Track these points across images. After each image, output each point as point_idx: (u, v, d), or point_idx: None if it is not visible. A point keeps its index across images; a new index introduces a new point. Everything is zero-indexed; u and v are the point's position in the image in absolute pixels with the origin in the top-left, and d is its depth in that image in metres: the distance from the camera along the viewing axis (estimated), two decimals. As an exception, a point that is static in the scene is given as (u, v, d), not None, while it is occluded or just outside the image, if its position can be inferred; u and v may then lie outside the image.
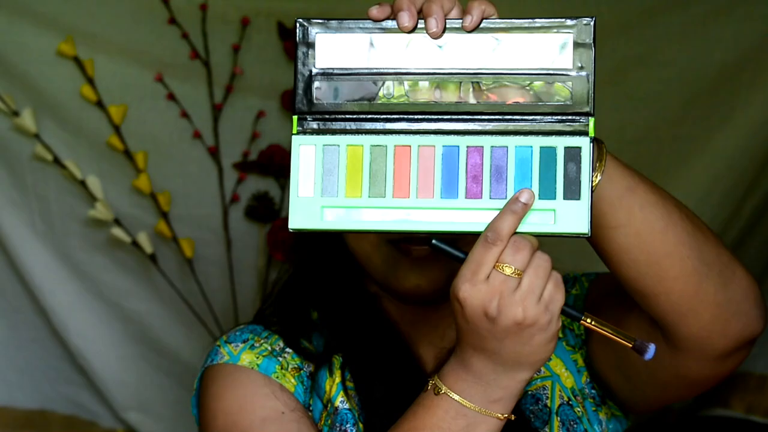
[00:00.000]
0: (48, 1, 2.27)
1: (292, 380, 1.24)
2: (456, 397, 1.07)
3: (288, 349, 1.26)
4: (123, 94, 2.33)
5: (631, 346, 1.06)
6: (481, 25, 1.03)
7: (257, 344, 1.26)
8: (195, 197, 2.40)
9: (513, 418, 1.09)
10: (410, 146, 1.03)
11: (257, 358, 1.24)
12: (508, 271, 1.01)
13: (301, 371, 1.26)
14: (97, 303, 2.38)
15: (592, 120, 1.03)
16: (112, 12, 2.31)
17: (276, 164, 2.40)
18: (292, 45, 2.39)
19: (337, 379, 1.26)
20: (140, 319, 2.41)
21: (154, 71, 2.34)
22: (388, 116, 1.05)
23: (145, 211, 2.37)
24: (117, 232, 2.33)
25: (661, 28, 2.55)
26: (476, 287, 1.02)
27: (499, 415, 1.07)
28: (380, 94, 1.05)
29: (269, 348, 1.26)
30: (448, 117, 1.04)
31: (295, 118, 1.04)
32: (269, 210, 2.42)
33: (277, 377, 1.23)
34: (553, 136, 1.03)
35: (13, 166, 2.30)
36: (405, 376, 1.23)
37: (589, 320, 1.06)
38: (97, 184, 2.32)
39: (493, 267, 1.01)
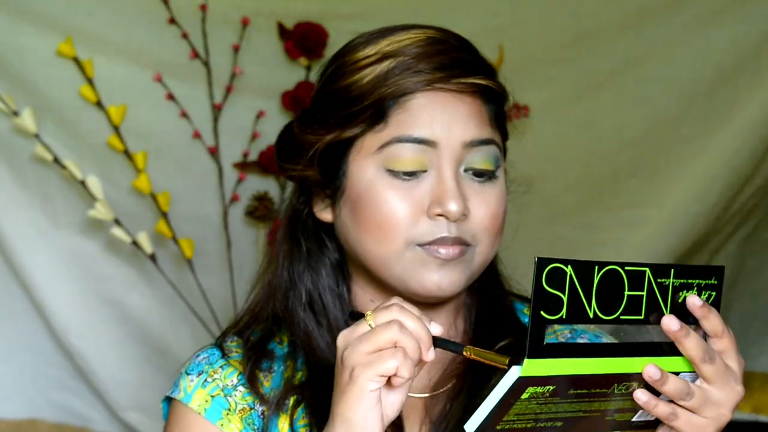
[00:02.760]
0: (48, 2, 2.27)
1: (239, 424, 1.23)
2: None
3: (240, 387, 1.25)
4: (123, 94, 2.33)
5: (507, 368, 1.06)
6: None
7: (210, 379, 1.26)
8: (195, 197, 2.40)
9: None
10: None
11: (206, 401, 1.24)
12: (368, 319, 1.09)
13: (252, 411, 1.24)
14: (97, 303, 2.38)
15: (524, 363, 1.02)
16: (112, 12, 2.31)
17: (276, 164, 2.40)
18: (292, 45, 2.39)
19: (288, 420, 1.24)
20: (140, 318, 2.41)
21: (153, 71, 2.34)
22: None
23: (145, 211, 2.37)
24: (117, 232, 2.33)
25: (660, 30, 2.56)
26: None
27: None
28: None
29: (221, 384, 1.25)
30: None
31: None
32: (269, 210, 2.42)
33: (222, 424, 1.23)
34: None
35: (13, 166, 2.30)
36: None
37: (469, 352, 1.08)
38: (97, 184, 2.31)
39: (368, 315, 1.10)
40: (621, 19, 2.54)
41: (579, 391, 1.04)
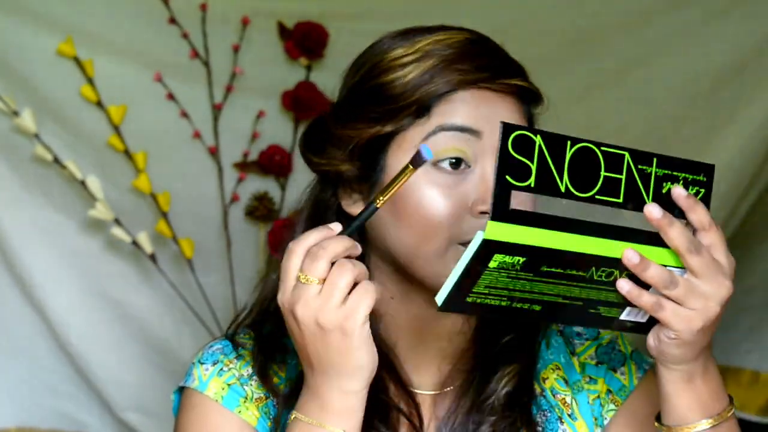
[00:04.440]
0: (48, 1, 2.27)
1: (255, 412, 1.23)
2: (300, 416, 1.12)
3: (255, 377, 1.25)
4: (123, 94, 2.33)
5: (412, 167, 1.08)
6: None
7: (226, 368, 1.25)
8: (195, 197, 2.40)
9: None
10: None
11: (223, 388, 1.24)
12: (308, 279, 1.08)
13: (268, 400, 1.24)
14: (97, 303, 2.38)
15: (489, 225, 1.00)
16: (112, 12, 2.31)
17: (276, 164, 2.40)
18: (292, 45, 2.39)
19: None
20: (140, 318, 2.41)
21: (153, 71, 2.34)
22: None
23: (145, 211, 2.37)
24: (117, 232, 2.33)
25: (662, 29, 2.56)
26: (285, 294, 1.09)
27: (340, 431, 1.12)
28: None
29: (237, 374, 1.25)
30: None
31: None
32: (269, 210, 2.42)
33: (240, 411, 1.23)
34: None
35: (12, 166, 2.30)
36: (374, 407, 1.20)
37: (379, 201, 1.10)
38: (97, 184, 2.31)
39: (297, 275, 1.08)
40: (622, 19, 2.54)
41: (552, 270, 1.02)
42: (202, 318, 2.41)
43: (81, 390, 2.40)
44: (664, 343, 1.08)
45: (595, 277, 1.04)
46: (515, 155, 0.98)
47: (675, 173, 1.05)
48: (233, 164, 2.42)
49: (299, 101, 2.37)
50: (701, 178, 1.06)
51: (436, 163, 1.17)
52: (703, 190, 1.06)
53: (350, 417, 1.12)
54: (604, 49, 2.55)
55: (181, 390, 1.28)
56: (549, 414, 1.29)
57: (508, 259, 1.00)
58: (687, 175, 1.05)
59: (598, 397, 1.32)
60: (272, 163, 2.39)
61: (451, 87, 1.18)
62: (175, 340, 2.42)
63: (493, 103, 1.19)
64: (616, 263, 1.03)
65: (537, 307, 1.05)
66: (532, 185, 0.99)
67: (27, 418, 2.38)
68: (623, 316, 1.08)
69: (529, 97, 1.25)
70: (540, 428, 1.27)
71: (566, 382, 1.32)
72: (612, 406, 1.30)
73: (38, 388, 2.38)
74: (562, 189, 1.01)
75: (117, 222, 2.34)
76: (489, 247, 0.99)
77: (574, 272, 1.03)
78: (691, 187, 1.05)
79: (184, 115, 2.37)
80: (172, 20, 2.33)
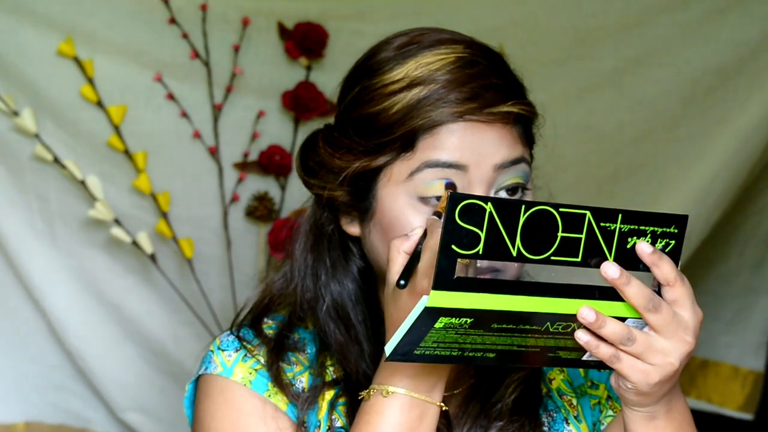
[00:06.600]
0: (48, 1, 2.27)
1: (284, 398, 1.23)
2: (404, 391, 1.14)
3: (280, 363, 1.25)
4: (123, 94, 2.33)
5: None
6: None
7: (250, 354, 1.25)
8: (195, 197, 2.40)
9: (445, 408, 1.17)
10: None
11: (250, 373, 1.23)
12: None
13: (293, 387, 1.24)
14: (97, 303, 2.38)
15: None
16: (112, 12, 2.31)
17: (276, 164, 2.40)
18: (292, 45, 2.39)
19: (328, 397, 1.24)
20: (140, 319, 2.41)
21: (153, 71, 2.34)
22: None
23: (145, 211, 2.37)
24: (117, 232, 2.33)
25: (660, 29, 2.56)
26: (427, 270, 1.10)
27: (437, 403, 1.15)
28: None
29: (262, 361, 1.24)
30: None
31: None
32: (269, 210, 2.42)
33: (269, 395, 1.22)
34: None
35: (12, 166, 2.30)
36: None
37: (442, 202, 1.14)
38: (97, 184, 2.32)
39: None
40: (621, 19, 2.54)
41: (504, 326, 1.02)
42: (202, 318, 2.41)
43: (86, 388, 2.42)
44: (622, 389, 1.08)
45: (551, 330, 1.04)
46: (462, 224, 0.98)
47: (642, 227, 1.03)
48: (233, 164, 2.42)
49: (299, 101, 2.37)
50: (672, 230, 1.04)
51: (423, 198, 1.17)
52: (673, 242, 1.04)
53: (443, 389, 1.16)
54: (602, 50, 2.55)
55: (197, 380, 1.28)
56: (555, 414, 1.29)
57: (454, 320, 1.01)
58: (656, 229, 1.04)
59: (599, 402, 1.32)
60: (272, 163, 2.40)
61: (436, 121, 1.17)
62: (175, 340, 2.42)
63: (481, 132, 1.17)
64: (572, 318, 1.03)
65: (491, 355, 1.06)
66: (480, 252, 0.99)
67: (35, 414, 2.40)
68: (585, 358, 1.09)
69: (523, 117, 1.22)
70: (546, 428, 1.27)
71: (571, 384, 1.32)
72: (610, 413, 1.30)
73: (45, 385, 2.39)
74: (514, 253, 1.01)
75: (117, 222, 2.34)
76: (432, 313, 1.00)
77: (527, 327, 1.03)
78: (660, 240, 1.04)
79: (184, 115, 2.37)
80: (172, 20, 2.33)
